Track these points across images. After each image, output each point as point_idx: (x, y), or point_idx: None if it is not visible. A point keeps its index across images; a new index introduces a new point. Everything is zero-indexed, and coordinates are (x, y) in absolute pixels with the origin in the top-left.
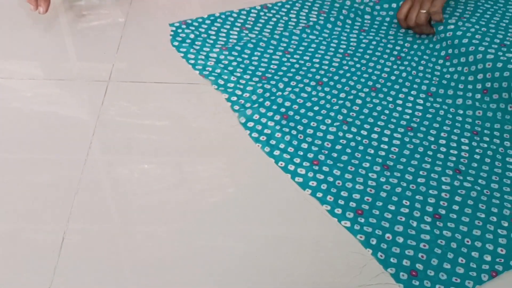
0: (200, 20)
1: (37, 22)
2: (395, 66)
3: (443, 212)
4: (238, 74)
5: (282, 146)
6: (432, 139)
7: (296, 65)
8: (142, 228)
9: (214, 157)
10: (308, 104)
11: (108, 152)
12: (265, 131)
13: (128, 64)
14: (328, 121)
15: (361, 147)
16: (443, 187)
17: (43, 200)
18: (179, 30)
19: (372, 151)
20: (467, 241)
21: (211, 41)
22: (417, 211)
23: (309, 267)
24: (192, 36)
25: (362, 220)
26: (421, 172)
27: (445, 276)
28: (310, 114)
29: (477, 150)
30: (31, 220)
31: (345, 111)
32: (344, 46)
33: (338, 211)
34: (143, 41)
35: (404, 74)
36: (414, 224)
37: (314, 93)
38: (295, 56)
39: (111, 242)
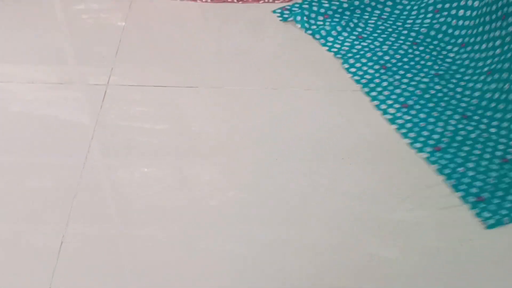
0: (298, 5)
1: (37, 26)
2: (480, 28)
3: (511, 157)
4: (335, 33)
5: (379, 89)
6: (508, 86)
7: (390, 29)
8: (142, 231)
9: (214, 158)
10: (405, 59)
11: (107, 155)
12: (366, 76)
13: (127, 67)
14: (422, 74)
15: (446, 98)
16: None
17: (41, 202)
18: (285, 15)
19: (455, 102)
20: None
21: (322, 18)
22: (487, 154)
23: (303, 270)
24: (298, 18)
25: (439, 155)
26: (493, 123)
27: (510, 204)
28: (406, 67)
29: None
30: (29, 222)
31: (436, 66)
32: (440, 6)
33: (418, 145)
34: (142, 45)
35: (487, 28)
36: (484, 163)
37: (410, 50)
38: (388, 21)
39: (110, 245)
